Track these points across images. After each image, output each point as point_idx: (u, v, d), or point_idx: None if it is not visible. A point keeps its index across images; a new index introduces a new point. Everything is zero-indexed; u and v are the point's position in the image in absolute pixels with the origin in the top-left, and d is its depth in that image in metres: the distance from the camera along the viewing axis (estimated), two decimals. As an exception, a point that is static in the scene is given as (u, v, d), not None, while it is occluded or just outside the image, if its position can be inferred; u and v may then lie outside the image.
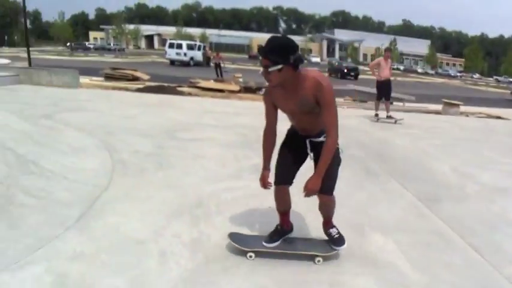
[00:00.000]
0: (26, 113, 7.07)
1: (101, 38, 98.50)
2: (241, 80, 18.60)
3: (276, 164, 3.03)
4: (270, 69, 2.53)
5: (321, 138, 2.82)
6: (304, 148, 2.94)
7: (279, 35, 3.11)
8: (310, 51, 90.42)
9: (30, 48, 16.37)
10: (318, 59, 73.52)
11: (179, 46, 38.06)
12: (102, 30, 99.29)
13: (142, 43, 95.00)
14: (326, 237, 3.17)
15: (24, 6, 15.96)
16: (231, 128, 7.85)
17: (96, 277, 2.67)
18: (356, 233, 3.58)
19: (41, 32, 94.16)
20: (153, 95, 12.40)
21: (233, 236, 3.16)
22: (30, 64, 14.86)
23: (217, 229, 3.47)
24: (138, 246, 3.10)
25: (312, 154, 2.92)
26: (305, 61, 65.68)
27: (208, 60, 37.14)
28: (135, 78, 16.25)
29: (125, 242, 3.15)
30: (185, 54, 37.41)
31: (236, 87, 15.77)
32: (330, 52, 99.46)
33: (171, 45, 38.75)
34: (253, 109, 10.66)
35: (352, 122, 9.88)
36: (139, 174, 4.75)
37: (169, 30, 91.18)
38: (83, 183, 4.20)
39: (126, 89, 13.71)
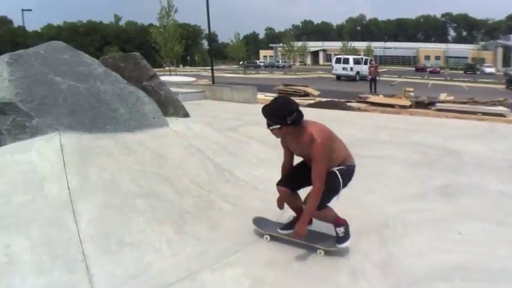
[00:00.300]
0: (215, 125, 7.88)
1: (270, 56, 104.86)
2: (412, 94, 17.73)
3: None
4: (270, 128, 3.12)
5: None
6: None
7: (281, 97, 3.64)
8: (483, 60, 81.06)
9: (208, 67, 18.26)
10: (492, 69, 65.19)
11: (346, 61, 38.29)
12: (271, 48, 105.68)
13: (308, 59, 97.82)
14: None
15: (209, 34, 17.95)
16: (408, 145, 7.51)
17: (289, 285, 2.81)
18: None
19: (217, 52, 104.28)
20: (325, 110, 12.63)
21: (256, 220, 3.66)
22: (213, 81, 16.63)
23: (407, 252, 3.34)
24: (327, 260, 3.19)
25: None
26: (477, 72, 59.75)
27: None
28: (306, 94, 16.81)
29: (315, 255, 3.27)
30: (351, 69, 37.46)
31: (407, 102, 15.10)
32: (506, 61, 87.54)
33: (338, 61, 39.20)
34: (428, 125, 10.05)
35: None
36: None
37: (334, 45, 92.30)
38: (271, 194, 4.48)
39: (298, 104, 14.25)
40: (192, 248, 3.24)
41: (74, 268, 2.76)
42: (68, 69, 4.71)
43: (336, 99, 15.08)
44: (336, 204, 4.30)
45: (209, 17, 18.92)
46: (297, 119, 3.03)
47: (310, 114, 10.95)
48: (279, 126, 3.04)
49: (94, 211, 3.30)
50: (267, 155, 5.93)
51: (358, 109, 13.83)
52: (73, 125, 4.23)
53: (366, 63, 38.91)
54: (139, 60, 6.48)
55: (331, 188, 3.16)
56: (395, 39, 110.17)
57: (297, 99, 15.65)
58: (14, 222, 3.04)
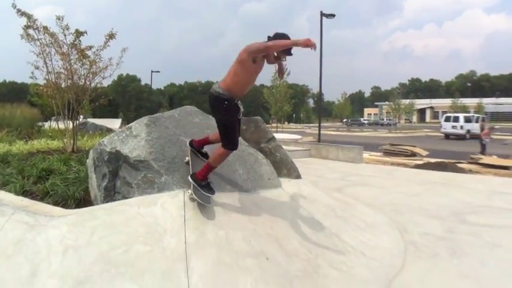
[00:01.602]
0: (320, 185, 7.96)
1: (374, 114, 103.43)
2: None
3: None
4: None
5: None
6: None
7: None
8: None
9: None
10: None
11: (456, 119, 36.58)
12: (376, 106, 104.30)
13: (414, 117, 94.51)
14: None
15: (320, 93, 18.46)
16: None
17: None
18: None
19: (323, 110, 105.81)
20: (433, 172, 12.04)
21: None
22: (319, 140, 16.87)
23: None
24: None
25: None
26: None
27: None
28: (413, 154, 16.22)
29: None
30: (461, 127, 35.57)
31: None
32: None
33: (447, 119, 37.67)
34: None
35: None
36: (432, 258, 4.62)
37: (442, 102, 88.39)
38: (379, 261, 4.39)
39: (405, 165, 13.80)
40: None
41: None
42: (197, 131, 5.23)
43: (446, 160, 14.29)
44: (447, 277, 4.07)
45: (321, 77, 19.70)
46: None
47: (416, 178, 10.51)
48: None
49: (206, 267, 3.50)
50: (375, 220, 5.83)
51: (470, 171, 12.94)
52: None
53: (477, 121, 36.65)
54: (260, 124, 7.00)
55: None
56: (508, 95, 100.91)
57: (404, 160, 15.18)
58: (130, 270, 3.35)
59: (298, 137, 24.20)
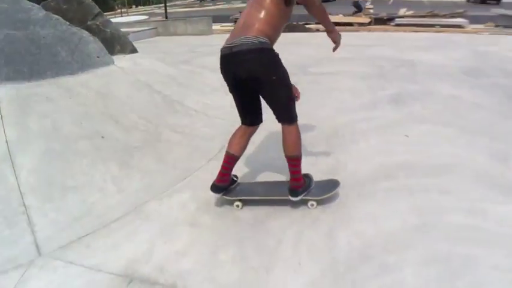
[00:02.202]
0: (167, 60, 7.62)
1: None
2: (371, 11, 17.43)
3: None
4: None
5: None
6: None
7: None
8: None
9: (162, 5, 17.33)
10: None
11: None
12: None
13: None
14: None
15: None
16: (364, 59, 7.49)
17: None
18: (498, 162, 3.24)
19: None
20: (287, 34, 12.35)
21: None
22: (166, 17, 15.85)
23: (353, 157, 3.42)
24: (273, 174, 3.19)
25: None
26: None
27: None
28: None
29: (265, 166, 3.30)
30: None
31: (366, 20, 14.90)
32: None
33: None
34: (385, 40, 10.04)
35: (495, 48, 8.64)
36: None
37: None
38: (221, 119, 4.43)
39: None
40: (138, 182, 3.20)
41: (15, 222, 2.65)
42: (4, 18, 4.37)
43: (295, 22, 14.68)
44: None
45: None
46: None
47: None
48: None
49: (34, 161, 3.16)
50: (220, 83, 5.75)
51: (317, 30, 13.56)
52: (11, 76, 3.98)
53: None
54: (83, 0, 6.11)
55: None
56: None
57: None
58: None
59: (145, 17, 22.56)
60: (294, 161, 2.69)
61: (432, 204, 2.70)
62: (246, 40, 2.43)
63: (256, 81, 2.52)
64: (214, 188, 2.79)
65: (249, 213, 2.73)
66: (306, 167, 3.24)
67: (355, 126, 4.08)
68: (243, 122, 2.84)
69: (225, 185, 2.82)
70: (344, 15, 16.61)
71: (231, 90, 2.80)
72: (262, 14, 2.48)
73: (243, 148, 2.82)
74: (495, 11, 14.07)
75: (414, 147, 3.53)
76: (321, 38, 10.81)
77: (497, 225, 2.45)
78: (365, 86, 5.63)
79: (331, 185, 2.83)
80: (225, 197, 2.85)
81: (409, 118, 4.29)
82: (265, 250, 2.34)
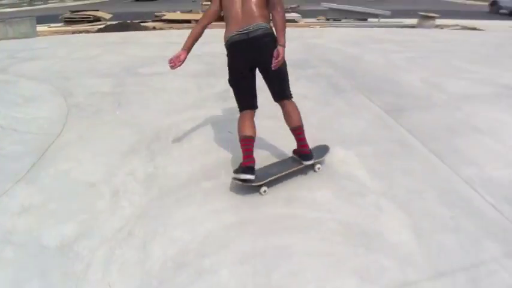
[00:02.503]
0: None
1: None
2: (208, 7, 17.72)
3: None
4: None
5: None
6: None
7: None
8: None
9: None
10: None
11: None
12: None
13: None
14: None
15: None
16: (195, 57, 7.49)
17: (44, 228, 2.56)
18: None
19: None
20: (115, 33, 11.78)
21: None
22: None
23: (175, 161, 3.37)
24: (89, 190, 2.97)
25: None
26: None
27: None
28: (97, 19, 15.38)
29: (75, 188, 3.02)
30: None
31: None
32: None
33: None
34: (218, 36, 10.25)
35: (322, 41, 9.58)
36: (94, 115, 4.54)
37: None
38: (34, 134, 3.99)
39: (87, 32, 13.00)
40: None
41: None
42: None
43: (129, 21, 14.16)
44: (108, 129, 4.11)
45: None
46: None
47: (95, 42, 10.03)
48: None
49: None
50: (36, 92, 5.24)
51: (154, 28, 13.29)
52: None
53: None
54: None
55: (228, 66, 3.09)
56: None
57: (87, 26, 14.27)
58: None
59: None
60: (300, 130, 3.04)
61: (249, 199, 2.80)
62: (259, 26, 2.75)
63: (269, 63, 2.68)
64: (247, 169, 2.82)
65: (55, 239, 2.45)
66: (122, 178, 3.13)
67: (180, 128, 4.04)
68: (248, 107, 3.02)
69: (254, 165, 2.89)
70: (182, 12, 16.62)
71: (240, 78, 3.01)
72: (253, 3, 2.78)
73: (255, 130, 2.98)
74: (325, 5, 15.36)
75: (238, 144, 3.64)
76: (155, 38, 10.74)
77: (311, 210, 2.64)
78: (193, 84, 5.65)
79: (324, 149, 3.33)
80: (252, 184, 2.80)
81: (235, 114, 4.42)
82: (73, 277, 2.15)
